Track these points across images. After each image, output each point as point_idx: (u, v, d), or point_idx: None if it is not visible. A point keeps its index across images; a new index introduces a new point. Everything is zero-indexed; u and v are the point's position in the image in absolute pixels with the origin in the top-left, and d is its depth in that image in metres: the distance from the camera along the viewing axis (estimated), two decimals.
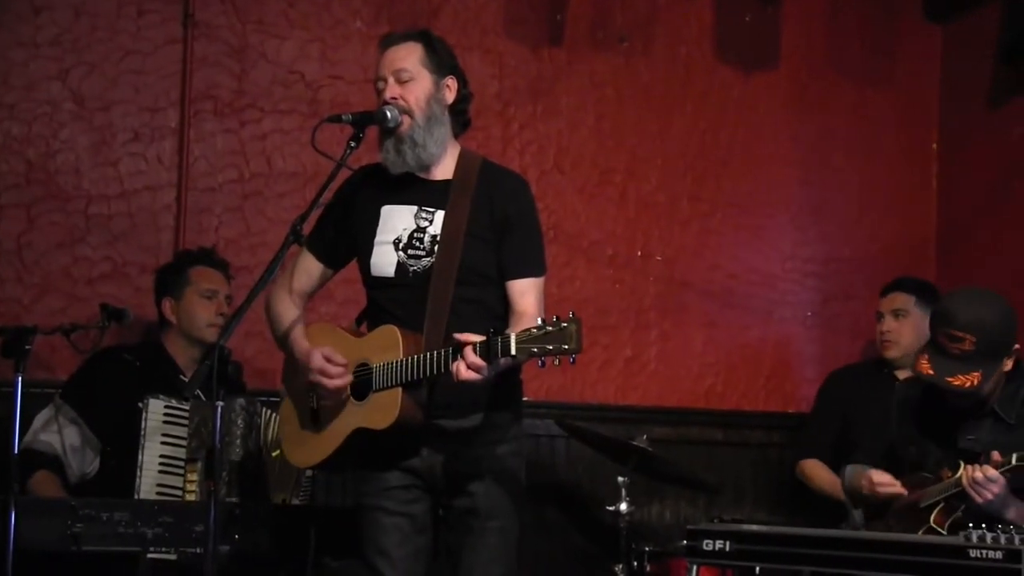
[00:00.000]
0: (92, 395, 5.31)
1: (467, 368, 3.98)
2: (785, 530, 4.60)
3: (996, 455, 4.53)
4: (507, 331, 3.97)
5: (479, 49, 6.43)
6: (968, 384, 4.64)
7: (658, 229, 6.72)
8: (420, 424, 4.26)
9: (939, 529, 4.63)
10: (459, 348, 4.00)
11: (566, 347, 3.84)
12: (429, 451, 4.35)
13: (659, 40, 6.77)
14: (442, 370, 4.07)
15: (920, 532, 4.66)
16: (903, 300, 6.07)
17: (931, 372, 4.69)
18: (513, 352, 3.90)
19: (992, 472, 4.51)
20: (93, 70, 6.07)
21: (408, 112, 4.35)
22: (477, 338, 3.97)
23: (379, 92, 4.41)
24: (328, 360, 4.33)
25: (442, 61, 4.43)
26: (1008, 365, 4.74)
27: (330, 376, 4.32)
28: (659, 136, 6.76)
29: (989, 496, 4.52)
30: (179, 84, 6.15)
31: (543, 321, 3.89)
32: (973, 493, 4.54)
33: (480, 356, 3.96)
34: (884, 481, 4.81)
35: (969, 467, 4.57)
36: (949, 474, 4.66)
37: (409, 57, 4.39)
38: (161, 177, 6.12)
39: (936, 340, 4.73)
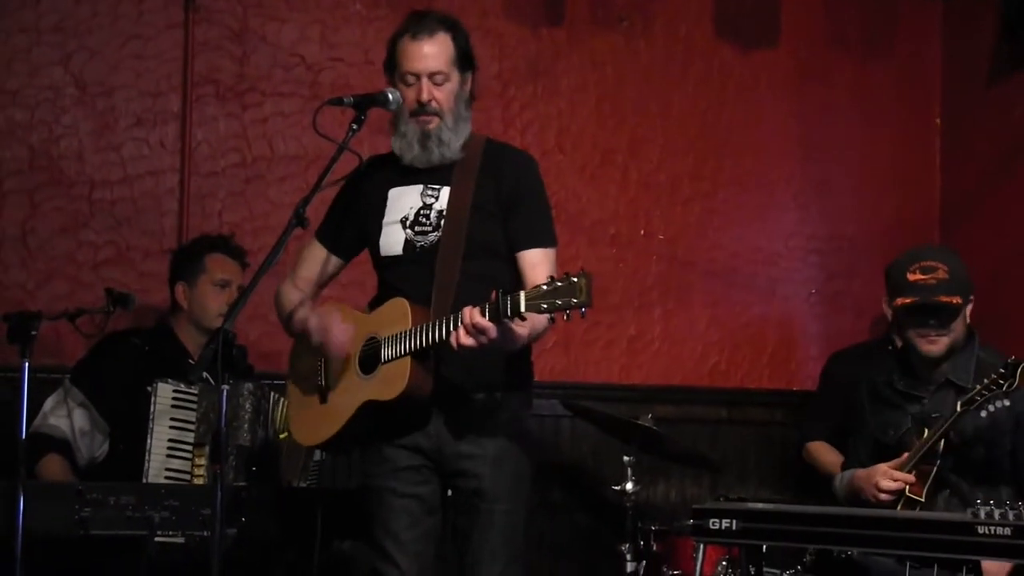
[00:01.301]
0: (101, 379, 5.32)
1: (465, 333, 3.97)
2: (791, 508, 4.59)
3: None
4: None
5: (478, 30, 6.39)
6: (956, 302, 4.73)
7: (660, 208, 6.72)
8: (429, 397, 4.25)
9: (916, 497, 4.64)
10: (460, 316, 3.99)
11: (575, 300, 3.82)
12: (436, 430, 4.35)
13: (659, 19, 6.76)
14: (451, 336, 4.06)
15: (899, 506, 4.68)
16: None
17: (916, 298, 4.75)
18: (522, 309, 3.87)
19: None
20: (95, 55, 6.08)
21: (439, 113, 4.36)
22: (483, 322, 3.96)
23: (408, 85, 4.39)
24: (326, 316, 4.36)
25: (467, 57, 4.45)
26: (968, 312, 4.85)
27: (330, 330, 4.34)
28: (660, 115, 6.75)
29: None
30: (181, 68, 6.16)
31: (552, 278, 3.89)
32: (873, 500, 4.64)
33: (489, 318, 3.95)
34: (890, 487, 4.77)
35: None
36: (916, 441, 4.72)
37: (442, 56, 4.37)
38: (164, 162, 6.13)
39: (907, 281, 4.80)
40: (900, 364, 5.03)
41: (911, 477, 4.69)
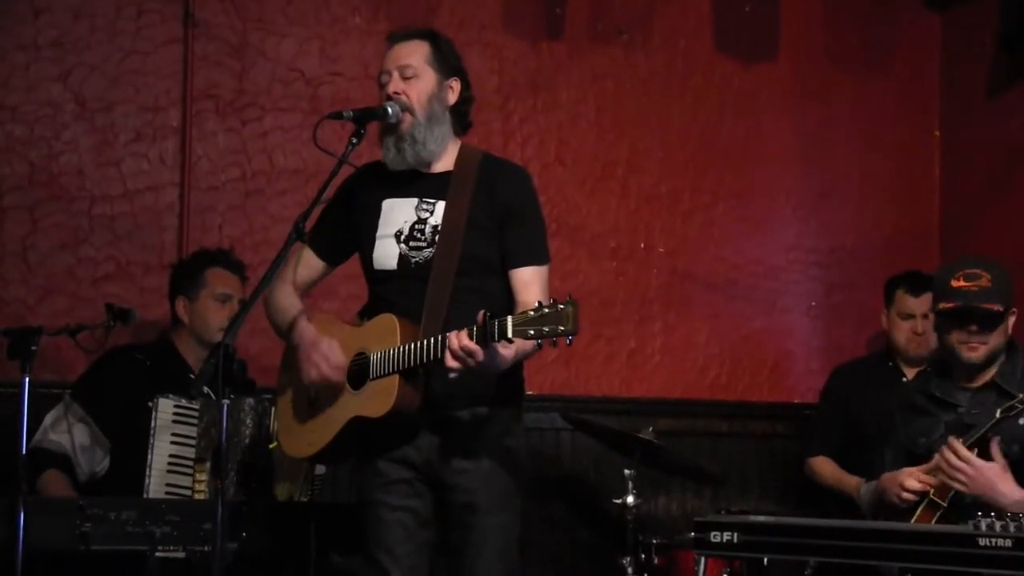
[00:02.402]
0: (101, 394, 5.32)
1: (452, 357, 3.97)
2: (793, 521, 4.59)
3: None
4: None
5: (478, 44, 6.43)
6: (997, 309, 4.76)
7: (660, 221, 6.72)
8: (417, 413, 4.25)
9: (939, 501, 4.64)
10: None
11: (562, 328, 3.81)
12: (427, 444, 4.34)
13: (658, 32, 6.77)
14: (439, 356, 4.05)
15: (921, 507, 4.67)
16: None
17: (959, 303, 4.79)
18: (509, 334, 3.87)
19: (963, 450, 4.55)
20: (94, 71, 6.07)
21: (409, 109, 4.37)
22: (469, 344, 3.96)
23: (382, 86, 4.43)
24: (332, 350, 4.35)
25: (447, 62, 4.45)
26: (1011, 324, 4.86)
27: (329, 364, 4.33)
28: (660, 128, 6.75)
29: (962, 478, 4.55)
30: (180, 83, 6.15)
31: (540, 304, 3.89)
32: (949, 480, 4.60)
33: (476, 341, 3.95)
34: (915, 487, 4.75)
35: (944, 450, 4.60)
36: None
37: (415, 54, 4.41)
38: (164, 177, 6.12)
39: (951, 287, 4.82)
40: (937, 370, 5.03)
41: (936, 481, 4.69)
